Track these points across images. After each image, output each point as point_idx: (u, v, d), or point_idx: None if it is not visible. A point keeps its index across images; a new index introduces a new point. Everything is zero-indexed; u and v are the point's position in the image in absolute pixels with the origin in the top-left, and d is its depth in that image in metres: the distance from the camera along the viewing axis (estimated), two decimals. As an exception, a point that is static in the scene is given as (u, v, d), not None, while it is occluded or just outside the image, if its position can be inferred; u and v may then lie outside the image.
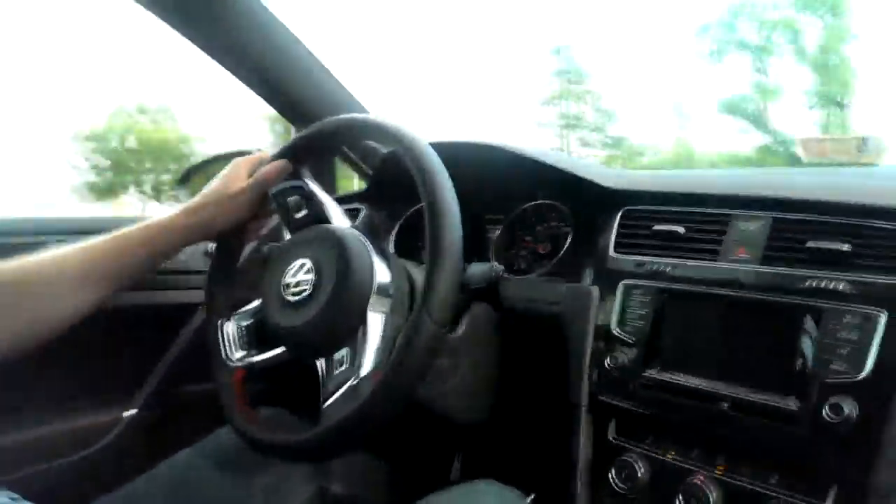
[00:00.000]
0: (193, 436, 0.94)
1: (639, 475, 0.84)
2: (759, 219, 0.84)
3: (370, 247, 0.79)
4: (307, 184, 0.88)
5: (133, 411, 1.26)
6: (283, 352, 0.81)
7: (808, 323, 0.75)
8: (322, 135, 0.88)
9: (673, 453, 0.84)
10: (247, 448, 0.81)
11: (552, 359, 0.96)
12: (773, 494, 0.74)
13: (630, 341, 0.88)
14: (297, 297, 0.77)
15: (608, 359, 0.88)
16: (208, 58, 1.25)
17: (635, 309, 0.89)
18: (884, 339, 0.69)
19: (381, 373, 0.69)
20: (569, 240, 1.06)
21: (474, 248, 1.16)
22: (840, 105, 12.26)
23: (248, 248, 0.99)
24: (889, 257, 0.73)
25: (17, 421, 1.12)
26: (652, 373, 0.86)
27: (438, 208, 0.71)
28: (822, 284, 0.75)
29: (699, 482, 0.79)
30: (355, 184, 1.65)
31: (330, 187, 1.58)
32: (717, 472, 0.79)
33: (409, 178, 0.74)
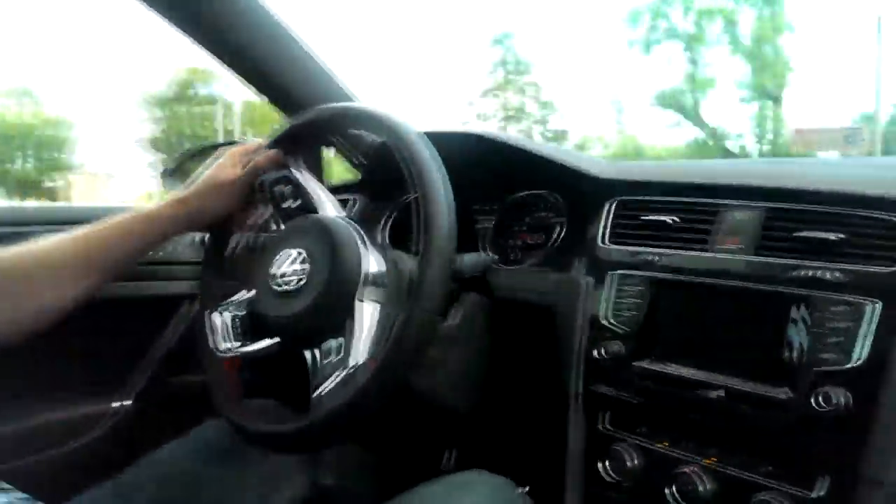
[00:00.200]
0: (184, 426, 0.93)
1: (631, 465, 0.85)
2: (751, 209, 0.84)
3: (362, 236, 0.79)
4: (298, 173, 0.87)
5: (123, 402, 1.26)
6: (275, 342, 0.81)
7: (800, 312, 0.75)
8: (314, 124, 0.87)
9: (665, 443, 0.84)
10: (237, 439, 0.80)
11: (544, 349, 0.96)
12: (764, 483, 0.75)
13: (621, 331, 0.88)
14: (288, 287, 0.76)
15: (600, 349, 0.88)
16: (203, 50, 1.24)
17: (627, 299, 0.89)
18: (874, 328, 0.69)
19: (376, 361, 0.69)
20: (560, 230, 1.06)
21: (466, 238, 1.16)
22: (774, 98, 11.93)
23: (238, 239, 0.98)
24: (880, 247, 0.73)
25: (6, 412, 1.12)
26: (643, 363, 0.86)
27: (430, 197, 0.71)
28: (814, 274, 0.75)
29: (691, 472, 0.79)
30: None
31: (318, 177, 1.56)
32: (708, 461, 0.80)
33: (401, 167, 0.74)
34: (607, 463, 0.87)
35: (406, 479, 0.82)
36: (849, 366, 0.69)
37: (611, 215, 0.98)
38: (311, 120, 0.87)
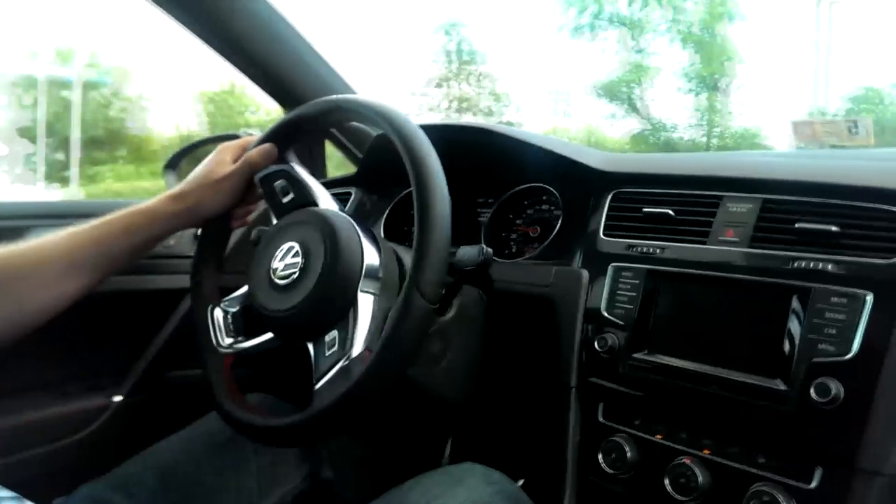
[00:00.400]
0: (183, 420, 0.94)
1: (627, 457, 0.85)
2: (749, 200, 0.84)
3: (359, 229, 0.79)
4: (293, 167, 0.87)
5: (122, 396, 1.26)
6: (272, 338, 0.81)
7: (797, 304, 0.75)
8: (308, 117, 0.87)
9: (661, 435, 0.84)
10: (235, 433, 0.81)
11: (541, 342, 0.96)
12: (760, 475, 0.75)
13: (619, 323, 0.88)
14: (285, 281, 0.76)
15: (597, 341, 0.88)
16: (202, 42, 1.24)
17: (625, 291, 0.89)
18: (870, 319, 0.69)
19: (372, 352, 0.69)
20: (559, 223, 1.06)
21: (465, 231, 1.16)
22: (721, 89, 11.23)
23: (234, 235, 0.98)
24: (877, 238, 0.73)
25: (5, 406, 1.12)
26: (641, 355, 0.86)
27: (427, 188, 0.70)
28: (811, 265, 0.75)
29: (687, 463, 0.79)
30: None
31: (320, 171, 1.57)
32: (704, 453, 0.80)
33: (399, 160, 0.74)
34: (604, 455, 0.87)
35: (403, 471, 0.83)
36: (846, 357, 0.69)
37: (609, 208, 0.98)
38: (304, 113, 0.87)
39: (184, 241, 1.29)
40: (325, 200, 0.85)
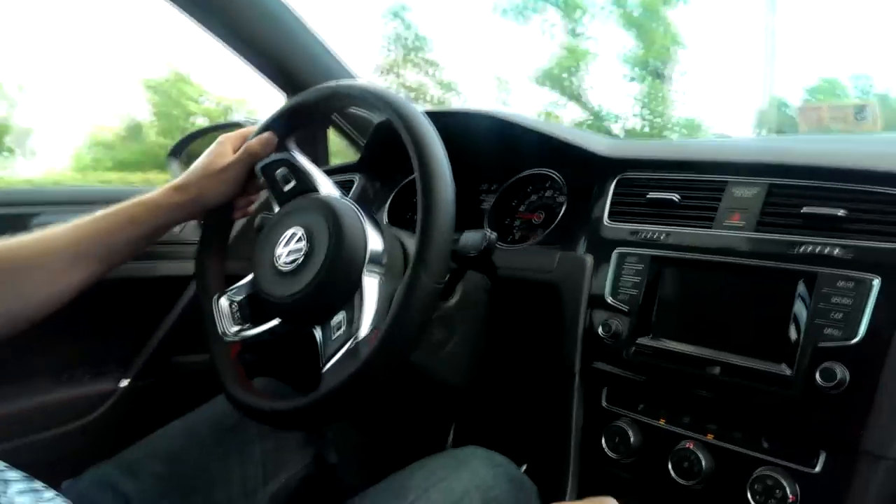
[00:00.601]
0: (189, 405, 0.94)
1: (631, 441, 0.85)
2: (755, 185, 0.83)
3: (362, 215, 0.79)
4: (294, 156, 0.87)
5: (128, 381, 1.27)
6: (278, 324, 0.81)
7: (802, 288, 0.74)
8: (307, 104, 0.87)
9: (665, 420, 0.84)
10: (242, 417, 0.81)
11: (545, 327, 0.96)
12: (764, 459, 0.75)
13: (624, 309, 0.87)
14: (289, 267, 0.76)
15: (601, 327, 0.88)
16: (202, 28, 1.24)
17: (629, 277, 0.88)
18: (876, 304, 0.69)
19: (380, 331, 0.68)
20: (563, 209, 1.06)
21: (468, 218, 1.16)
22: (661, 76, 10.52)
23: (238, 223, 0.98)
24: (883, 222, 0.73)
25: (12, 391, 1.13)
26: (645, 340, 0.86)
27: (429, 168, 0.70)
28: (817, 250, 0.75)
29: (690, 447, 0.79)
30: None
31: (322, 158, 1.57)
32: (708, 437, 0.80)
33: (402, 146, 0.73)
34: (607, 439, 0.87)
35: (407, 456, 0.83)
36: (852, 342, 0.69)
37: (614, 193, 0.97)
38: (304, 100, 0.87)
39: (189, 228, 1.29)
40: (327, 187, 0.85)
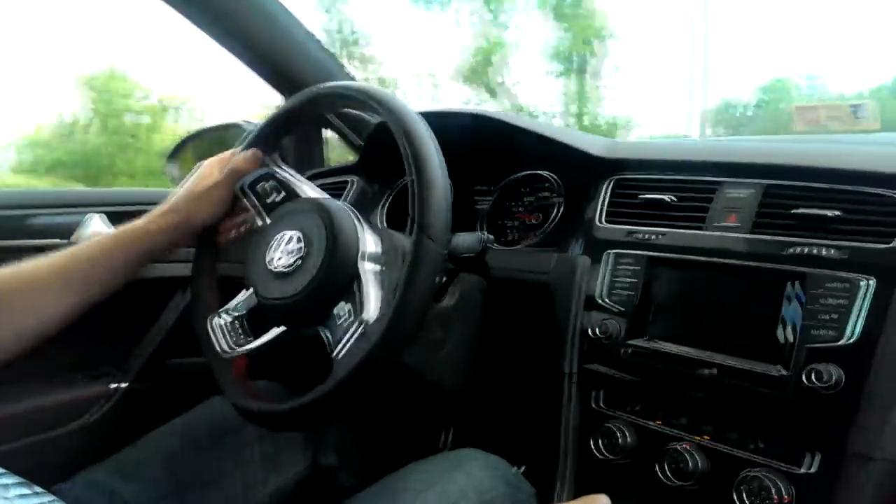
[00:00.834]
0: (185, 408, 0.94)
1: (624, 443, 0.85)
2: (749, 186, 0.84)
3: (357, 217, 0.79)
4: (278, 169, 0.88)
5: (124, 384, 1.27)
6: (280, 332, 0.79)
7: (796, 289, 0.75)
8: (291, 112, 0.88)
9: (658, 421, 0.84)
10: (237, 419, 0.81)
11: (540, 328, 0.96)
12: (755, 460, 0.75)
13: (618, 310, 0.88)
14: (287, 268, 0.76)
15: (595, 328, 0.88)
16: (197, 27, 1.24)
17: (623, 278, 0.89)
18: (868, 305, 0.69)
19: (384, 318, 0.68)
20: (558, 210, 1.06)
21: (463, 219, 1.16)
22: (590, 72, 9.83)
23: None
24: (876, 223, 0.73)
25: (8, 393, 1.13)
26: (639, 341, 0.86)
27: (425, 173, 0.70)
28: (810, 251, 0.75)
29: (683, 449, 0.79)
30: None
31: (318, 160, 1.57)
32: (700, 438, 0.80)
33: (399, 148, 0.73)
34: (601, 440, 0.87)
35: (404, 458, 0.83)
36: (842, 343, 0.69)
37: (608, 194, 0.98)
38: (290, 108, 0.87)
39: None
40: (314, 193, 0.85)
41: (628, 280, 0.88)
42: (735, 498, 0.74)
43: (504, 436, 1.09)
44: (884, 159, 0.78)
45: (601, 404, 0.91)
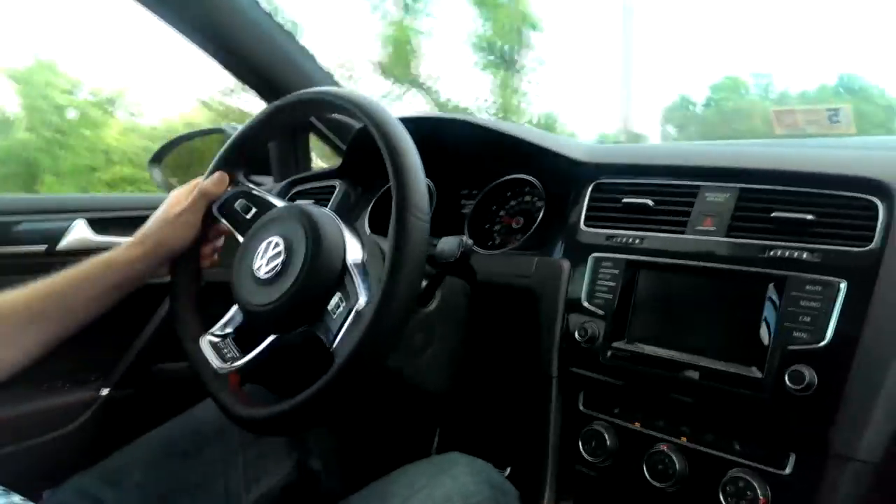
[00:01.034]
0: (170, 413, 0.94)
1: (607, 444, 0.86)
2: (727, 190, 0.85)
3: (340, 222, 0.80)
4: (247, 187, 0.90)
5: (109, 390, 1.26)
6: (272, 340, 0.80)
7: (772, 292, 0.76)
8: (252, 133, 0.90)
9: (640, 423, 0.85)
10: (222, 425, 0.81)
11: (523, 332, 0.97)
12: (736, 461, 0.76)
13: (599, 313, 0.88)
14: (270, 274, 0.77)
15: (578, 331, 0.89)
16: (181, 34, 1.24)
17: (604, 281, 0.89)
18: (843, 307, 0.70)
19: (374, 303, 0.69)
20: (541, 214, 1.07)
21: (448, 223, 1.16)
22: (512, 64, 9.07)
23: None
24: (850, 227, 0.74)
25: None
26: (620, 344, 0.87)
27: (402, 173, 0.71)
28: (786, 254, 0.76)
29: (665, 450, 0.81)
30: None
31: (303, 164, 1.57)
32: (682, 440, 0.81)
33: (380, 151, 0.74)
34: (584, 443, 0.88)
35: (391, 463, 0.84)
36: (820, 344, 0.70)
37: (590, 198, 0.98)
38: (252, 127, 0.90)
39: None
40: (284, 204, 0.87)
41: (609, 283, 0.89)
42: (714, 499, 0.76)
43: (490, 438, 1.09)
44: (858, 163, 0.79)
45: (584, 406, 0.92)
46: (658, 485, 0.80)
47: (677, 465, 0.79)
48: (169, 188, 1.46)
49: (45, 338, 0.80)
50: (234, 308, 0.84)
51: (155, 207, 0.90)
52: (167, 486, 0.84)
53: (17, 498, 0.49)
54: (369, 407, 1.13)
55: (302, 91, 0.86)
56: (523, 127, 1.10)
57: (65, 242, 1.18)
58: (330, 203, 1.28)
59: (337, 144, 1.56)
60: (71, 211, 1.22)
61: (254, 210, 0.88)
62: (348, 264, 0.76)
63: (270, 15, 1.30)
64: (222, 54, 1.31)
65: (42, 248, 1.17)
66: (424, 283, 0.87)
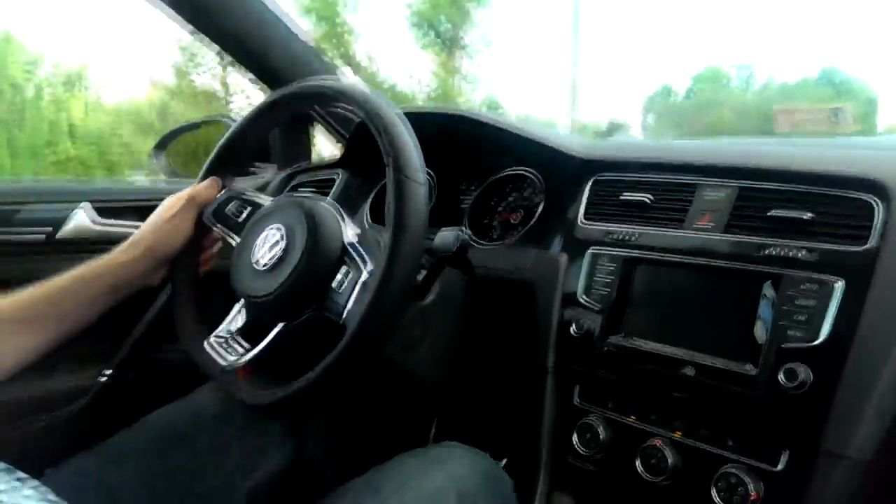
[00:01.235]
0: (170, 398, 0.95)
1: (600, 437, 0.87)
2: (725, 187, 0.85)
3: (339, 212, 0.80)
4: (238, 190, 0.91)
5: (109, 374, 1.27)
6: (281, 328, 0.80)
7: (768, 290, 0.76)
8: (239, 135, 0.91)
9: (634, 417, 0.86)
10: (221, 410, 0.81)
11: (521, 325, 0.98)
12: (729, 457, 0.77)
13: (596, 308, 0.89)
14: (272, 261, 0.78)
15: (574, 325, 0.90)
16: (185, 22, 1.24)
17: (602, 276, 0.90)
18: (839, 306, 0.71)
19: (377, 274, 0.70)
20: (540, 208, 1.07)
21: (448, 216, 1.17)
22: (454, 43, 8.41)
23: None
24: (848, 226, 0.74)
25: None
26: (616, 339, 0.87)
27: (402, 166, 0.72)
28: (783, 252, 0.76)
29: (658, 445, 0.81)
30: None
31: (304, 156, 1.57)
32: (675, 435, 0.82)
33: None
34: (578, 435, 0.89)
35: (388, 452, 0.84)
36: (814, 343, 0.71)
37: (589, 194, 0.99)
38: (239, 129, 0.91)
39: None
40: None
41: (606, 278, 0.90)
42: (707, 494, 0.76)
43: (487, 429, 1.10)
44: (856, 163, 0.79)
45: (579, 400, 0.93)
46: (651, 479, 0.81)
47: (670, 460, 0.80)
48: (171, 175, 1.47)
49: (36, 343, 0.80)
50: (235, 308, 0.85)
51: (155, 196, 0.91)
52: (166, 469, 0.85)
53: (20, 475, 0.50)
54: (367, 396, 1.13)
55: (295, 84, 0.87)
56: (524, 123, 1.10)
57: (65, 230, 1.19)
58: (331, 193, 1.28)
59: (342, 134, 1.56)
60: (74, 199, 1.22)
61: (247, 211, 0.89)
62: (347, 244, 0.77)
63: (274, 5, 1.30)
64: (224, 40, 1.31)
65: (42, 235, 1.17)
66: (422, 275, 0.87)
